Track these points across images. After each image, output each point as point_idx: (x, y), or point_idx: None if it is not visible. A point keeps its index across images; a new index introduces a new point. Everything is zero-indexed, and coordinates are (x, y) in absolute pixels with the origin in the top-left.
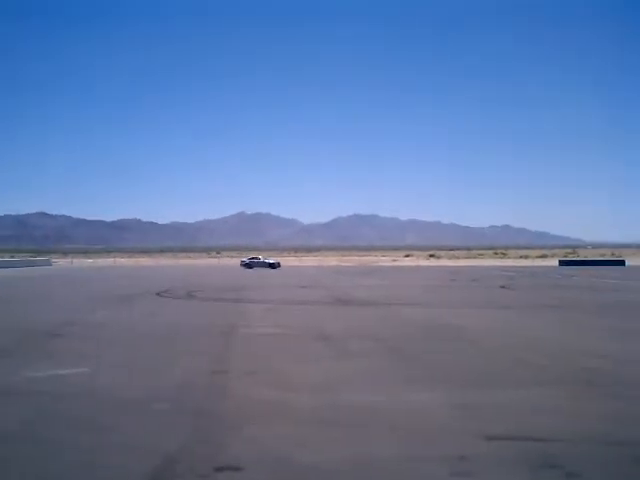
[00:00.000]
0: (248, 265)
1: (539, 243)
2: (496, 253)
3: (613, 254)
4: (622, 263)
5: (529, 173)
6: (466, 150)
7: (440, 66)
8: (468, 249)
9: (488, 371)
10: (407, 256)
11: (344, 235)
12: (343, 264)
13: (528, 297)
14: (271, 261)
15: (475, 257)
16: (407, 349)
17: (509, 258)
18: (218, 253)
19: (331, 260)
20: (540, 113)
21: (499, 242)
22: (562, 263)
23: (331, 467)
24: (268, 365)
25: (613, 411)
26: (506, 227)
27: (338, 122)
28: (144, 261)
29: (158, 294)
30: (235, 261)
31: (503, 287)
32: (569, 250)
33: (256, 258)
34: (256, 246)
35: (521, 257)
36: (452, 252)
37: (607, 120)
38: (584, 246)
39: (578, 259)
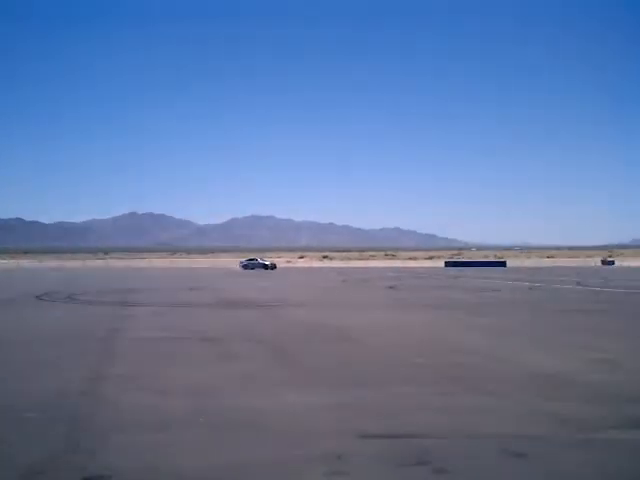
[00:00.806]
0: (247, 266)
1: (428, 245)
2: (387, 255)
3: (496, 256)
4: (503, 264)
5: (418, 177)
6: (359, 152)
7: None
8: (361, 250)
9: (367, 370)
10: (301, 257)
11: (240, 236)
12: (236, 266)
13: (413, 297)
14: (266, 262)
15: (367, 258)
16: (291, 350)
17: (399, 259)
18: (106, 254)
19: (226, 262)
20: (427, 120)
21: (390, 244)
22: (448, 264)
23: (203, 474)
24: (150, 369)
25: (481, 406)
26: (397, 229)
27: (234, 124)
28: (26, 263)
29: (38, 297)
30: (123, 263)
31: (391, 288)
32: (455, 252)
33: (254, 259)
34: (147, 247)
35: (410, 259)
36: (345, 253)
37: (498, 120)
38: (469, 248)
39: (463, 261)
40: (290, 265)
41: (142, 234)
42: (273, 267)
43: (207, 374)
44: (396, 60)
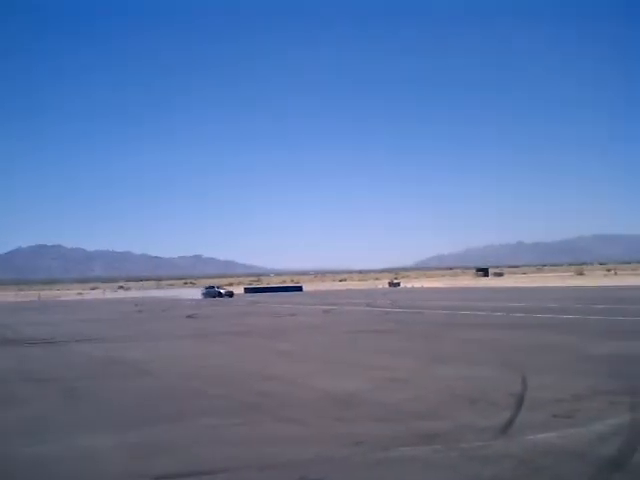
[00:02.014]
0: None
1: (228, 272)
2: (186, 283)
3: (293, 281)
4: (300, 289)
5: (216, 204)
6: (155, 177)
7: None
8: (159, 279)
9: (164, 405)
10: (94, 288)
11: (23, 267)
12: (19, 300)
13: (212, 325)
14: (222, 291)
15: (165, 287)
16: (81, 389)
17: (198, 287)
18: None
19: (5, 296)
20: (225, 145)
21: (190, 272)
22: (247, 290)
23: None
24: None
25: (281, 433)
26: (197, 257)
27: (31, 149)
28: None
29: None
30: None
31: (190, 317)
32: (254, 278)
33: (211, 287)
34: None
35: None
36: (141, 283)
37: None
38: (268, 274)
39: (262, 286)
40: (82, 297)
41: None
42: (229, 295)
43: None
44: None
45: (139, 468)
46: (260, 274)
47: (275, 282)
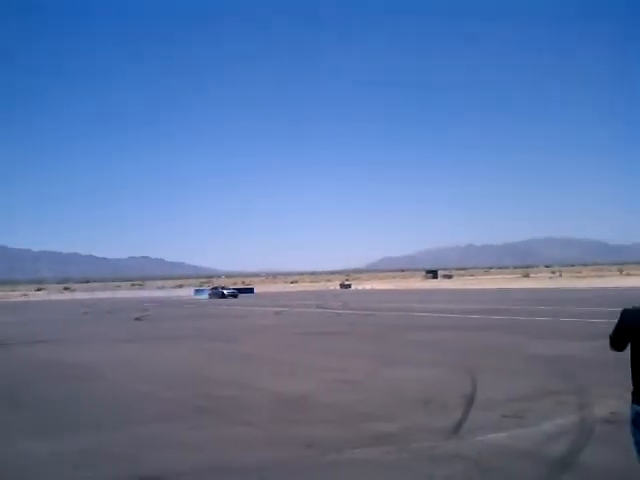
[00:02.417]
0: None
1: (176, 273)
2: (134, 284)
3: (244, 282)
4: (251, 291)
5: (164, 204)
6: (101, 179)
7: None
8: (106, 281)
9: (112, 410)
10: (39, 290)
11: None
12: None
13: (162, 328)
14: (225, 291)
15: (112, 289)
16: (21, 393)
17: (146, 289)
18: None
19: None
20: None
21: (138, 273)
22: (197, 292)
23: None
24: None
25: (233, 437)
26: (145, 258)
27: None
28: None
29: None
30: None
31: (138, 319)
32: (204, 279)
33: (215, 288)
34: None
35: (158, 288)
36: (88, 284)
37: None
38: (218, 276)
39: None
40: (26, 299)
41: None
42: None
43: None
44: None
45: (76, 476)
46: (210, 275)
47: (226, 284)
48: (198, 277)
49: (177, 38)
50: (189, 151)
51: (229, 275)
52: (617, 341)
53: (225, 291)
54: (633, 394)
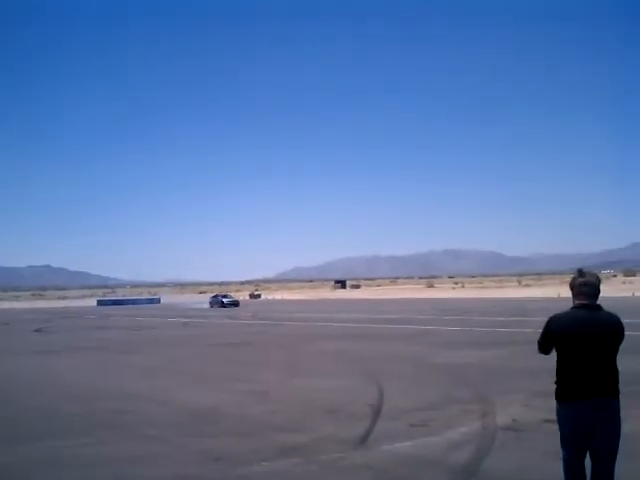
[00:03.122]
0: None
1: (79, 283)
2: (33, 294)
3: (150, 292)
4: (158, 301)
5: (66, 211)
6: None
7: None
8: (3, 290)
9: (2, 426)
10: None
11: None
12: None
13: (62, 340)
14: (224, 300)
15: (10, 299)
16: None
17: (47, 299)
18: None
19: None
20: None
21: (39, 282)
22: (101, 303)
23: None
24: None
25: (138, 453)
26: (47, 267)
27: None
28: None
29: None
30: None
31: (38, 331)
32: (108, 290)
33: (215, 296)
34: None
35: (59, 298)
36: None
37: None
38: (124, 286)
39: (117, 298)
40: None
41: None
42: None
43: None
44: None
45: None
46: (115, 286)
47: (131, 294)
48: (102, 287)
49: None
50: (95, 154)
51: (135, 285)
52: (544, 346)
53: (225, 300)
54: (557, 395)
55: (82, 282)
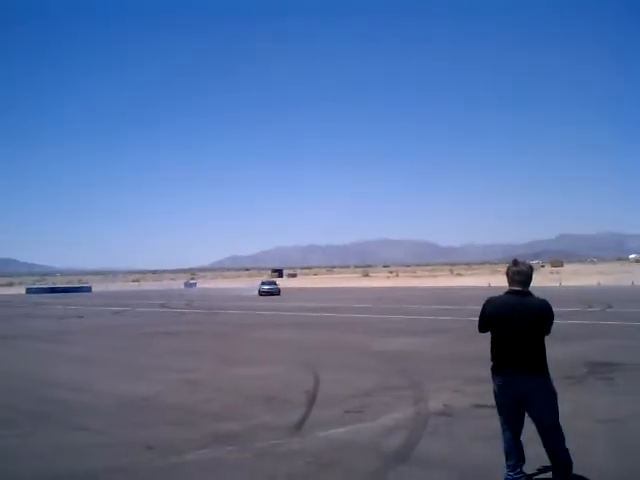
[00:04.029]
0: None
1: (6, 271)
2: None
3: (81, 281)
4: (89, 290)
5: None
6: None
7: None
8: None
9: None
10: None
11: None
12: None
13: None
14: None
15: None
16: None
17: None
18: None
19: None
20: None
21: None
22: (30, 291)
23: None
24: None
25: (68, 444)
26: None
27: None
28: None
29: None
30: None
31: None
32: (38, 277)
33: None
34: None
35: None
36: None
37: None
38: (54, 274)
39: (47, 286)
40: None
41: None
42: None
43: None
44: None
45: None
46: (45, 273)
47: (62, 282)
48: (31, 275)
49: None
50: (25, 140)
51: (65, 273)
52: (480, 325)
53: (266, 286)
54: (492, 368)
55: (10, 270)
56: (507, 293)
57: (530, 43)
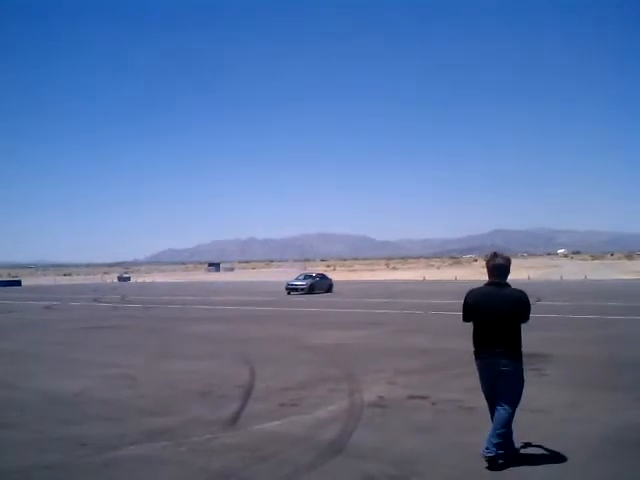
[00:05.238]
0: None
1: None
2: None
3: (10, 274)
4: (19, 283)
5: None
6: None
7: None
8: None
9: None
10: None
11: None
12: None
13: None
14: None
15: None
16: None
17: None
18: None
19: None
20: None
21: None
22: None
23: None
24: None
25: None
26: None
27: None
28: None
29: None
30: None
31: None
32: None
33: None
34: None
35: None
36: None
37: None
38: None
39: None
40: None
41: None
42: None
43: None
44: None
45: None
46: None
47: None
48: None
49: None
50: None
51: None
52: (464, 315)
53: (297, 282)
54: (474, 353)
55: None
56: (486, 284)
57: (484, 34)
